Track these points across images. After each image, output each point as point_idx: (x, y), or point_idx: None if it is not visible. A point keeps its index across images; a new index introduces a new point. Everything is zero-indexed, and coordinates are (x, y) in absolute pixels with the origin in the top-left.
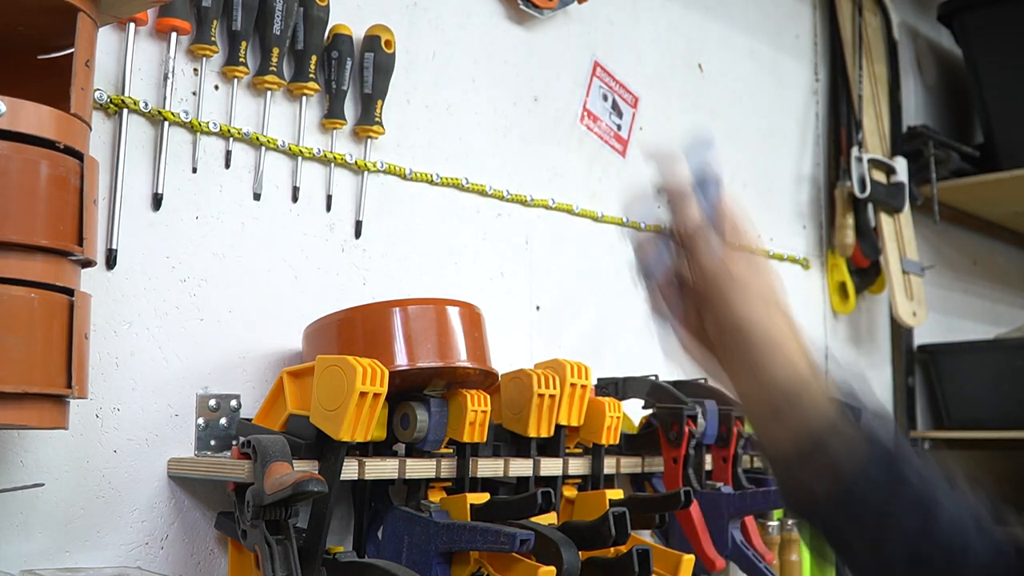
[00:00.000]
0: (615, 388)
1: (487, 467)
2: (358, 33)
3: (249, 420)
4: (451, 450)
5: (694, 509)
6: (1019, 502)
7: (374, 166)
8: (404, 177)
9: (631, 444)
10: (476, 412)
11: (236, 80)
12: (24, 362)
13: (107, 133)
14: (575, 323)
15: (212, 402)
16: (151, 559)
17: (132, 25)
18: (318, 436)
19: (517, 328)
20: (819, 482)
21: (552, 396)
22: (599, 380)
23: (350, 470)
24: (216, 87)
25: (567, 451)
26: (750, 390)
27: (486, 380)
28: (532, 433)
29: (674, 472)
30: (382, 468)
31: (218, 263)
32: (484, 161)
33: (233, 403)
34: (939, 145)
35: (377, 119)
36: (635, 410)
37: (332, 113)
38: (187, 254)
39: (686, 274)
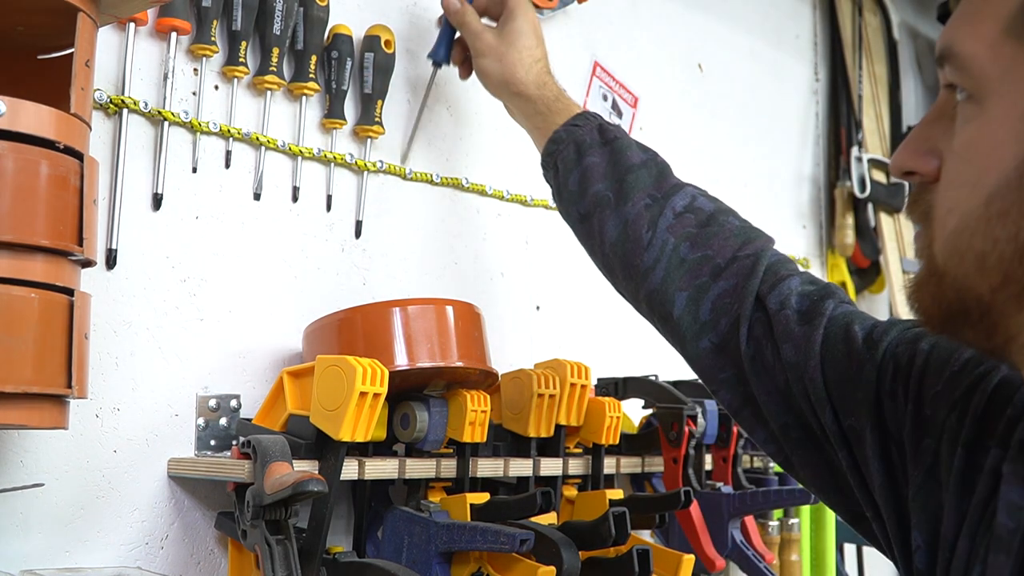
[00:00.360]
0: (615, 388)
1: (487, 467)
2: (358, 33)
3: (249, 420)
4: (451, 450)
5: (694, 509)
6: None
7: (374, 166)
8: (404, 177)
9: (631, 444)
10: (476, 412)
11: (236, 80)
12: (24, 362)
13: (107, 133)
14: (575, 323)
15: (212, 402)
16: (151, 559)
17: (132, 25)
18: (318, 436)
19: (517, 328)
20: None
21: (552, 396)
22: (599, 380)
23: (350, 470)
24: (216, 87)
25: (567, 451)
26: (517, 111)
27: (486, 380)
28: (532, 433)
29: (674, 472)
30: (382, 468)
31: (218, 263)
32: (484, 161)
33: (233, 403)
34: None
35: (377, 119)
36: (635, 410)
37: (332, 113)
38: (187, 254)
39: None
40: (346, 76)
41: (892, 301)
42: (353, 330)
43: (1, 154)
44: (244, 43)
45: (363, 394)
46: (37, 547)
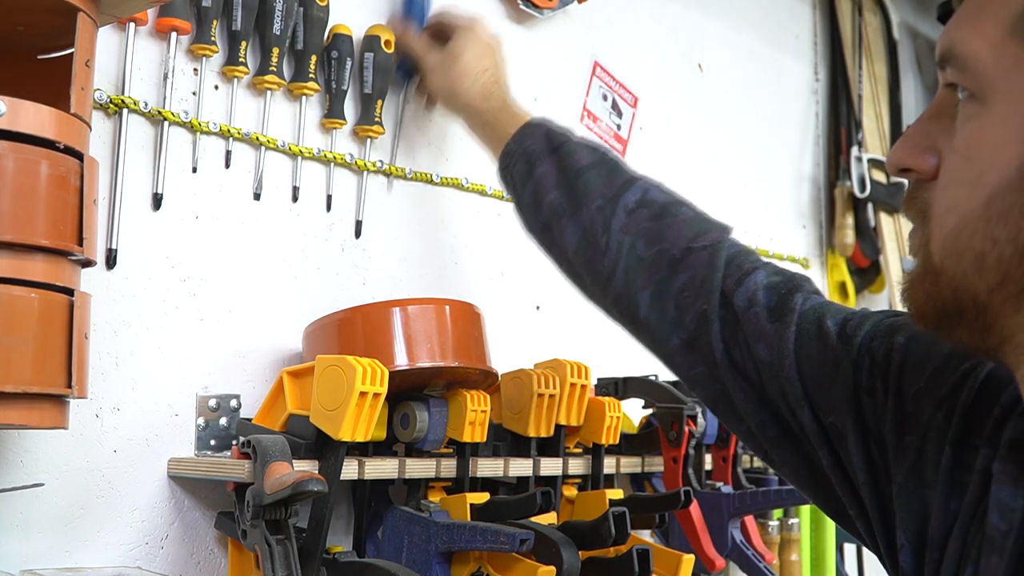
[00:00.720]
0: (615, 388)
1: (487, 467)
2: (358, 33)
3: (249, 420)
4: (451, 450)
5: (694, 509)
6: None
7: (374, 166)
8: (404, 177)
9: (631, 444)
10: (476, 412)
11: (236, 80)
12: (24, 362)
13: (107, 133)
14: (575, 323)
15: (212, 402)
16: (151, 559)
17: (132, 25)
18: (318, 436)
19: (517, 328)
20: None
21: (552, 396)
22: (599, 380)
23: (350, 470)
24: (216, 87)
25: (567, 451)
26: (468, 125)
27: (486, 380)
28: (532, 433)
29: (674, 472)
30: (382, 468)
31: (218, 263)
32: (484, 161)
33: (233, 403)
34: None
35: (377, 119)
36: (635, 410)
37: (332, 113)
38: (187, 254)
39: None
40: (346, 76)
41: (892, 301)
42: (353, 330)
43: (1, 154)
44: (244, 43)
45: (363, 394)
46: (37, 547)
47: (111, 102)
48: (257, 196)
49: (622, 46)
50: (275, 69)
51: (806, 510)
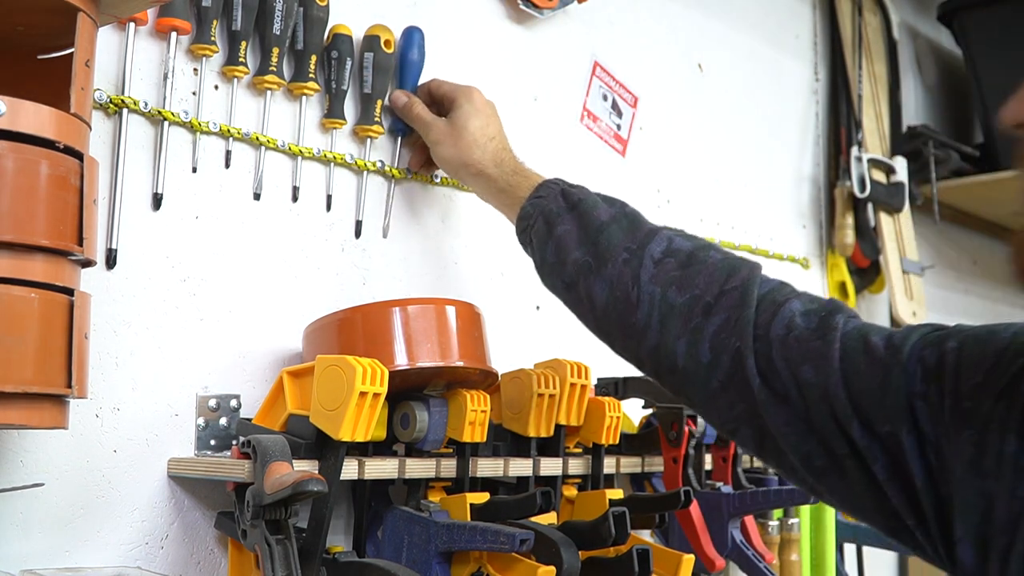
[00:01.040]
0: (615, 388)
1: (487, 467)
2: (358, 33)
3: (249, 420)
4: (451, 450)
5: (694, 509)
6: None
7: (374, 166)
8: (404, 177)
9: (631, 444)
10: (476, 412)
11: (236, 80)
12: (24, 362)
13: (107, 133)
14: (575, 323)
15: (212, 402)
16: (151, 559)
17: (132, 25)
18: (318, 436)
19: (517, 328)
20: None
21: (552, 396)
22: (599, 380)
23: (350, 470)
24: (216, 87)
25: (567, 451)
26: (481, 192)
27: (486, 380)
28: (532, 433)
29: (674, 472)
30: (382, 468)
31: (218, 263)
32: None
33: (233, 403)
34: (939, 145)
35: (377, 119)
36: (635, 410)
37: (332, 113)
38: (187, 254)
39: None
40: (346, 76)
41: (892, 301)
42: (353, 330)
43: (1, 154)
44: (244, 43)
45: (363, 394)
46: (37, 547)
47: (111, 102)
48: (257, 196)
49: (622, 46)
50: (275, 69)
51: (806, 510)
